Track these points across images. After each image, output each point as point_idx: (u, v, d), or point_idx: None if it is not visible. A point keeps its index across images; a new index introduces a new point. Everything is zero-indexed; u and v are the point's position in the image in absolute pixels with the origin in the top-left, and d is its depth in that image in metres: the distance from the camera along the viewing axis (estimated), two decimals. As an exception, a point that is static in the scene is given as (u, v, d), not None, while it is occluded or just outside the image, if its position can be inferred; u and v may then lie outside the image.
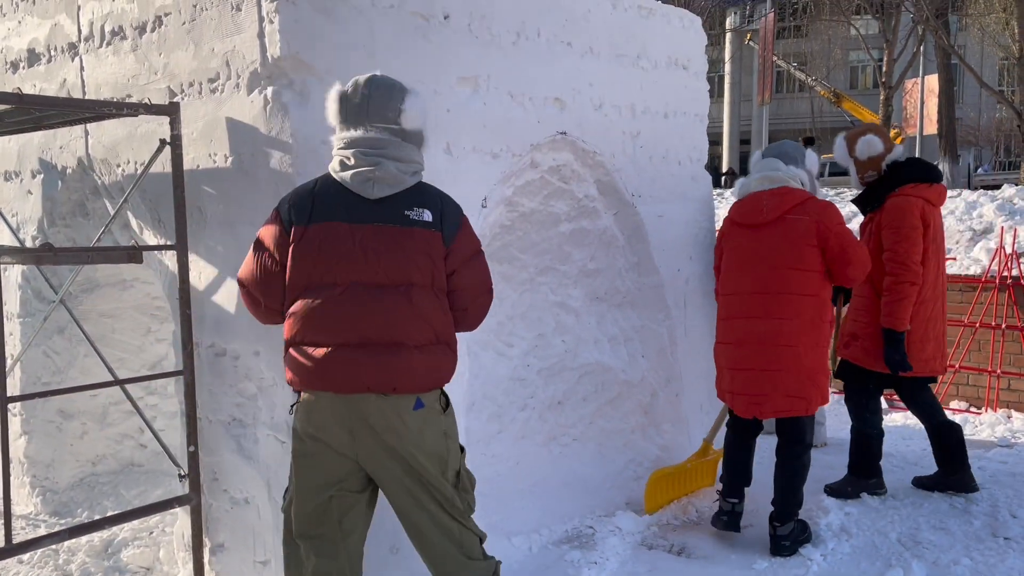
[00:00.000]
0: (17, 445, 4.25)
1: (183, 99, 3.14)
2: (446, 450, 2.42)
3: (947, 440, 4.08)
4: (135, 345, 4.26)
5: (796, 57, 32.97)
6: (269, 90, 2.85)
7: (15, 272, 4.15)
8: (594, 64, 4.07)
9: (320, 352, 2.32)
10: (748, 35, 23.19)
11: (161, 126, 3.25)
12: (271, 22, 2.79)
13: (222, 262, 3.10)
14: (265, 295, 2.45)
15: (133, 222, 3.52)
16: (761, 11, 23.65)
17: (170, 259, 3.29)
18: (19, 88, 3.58)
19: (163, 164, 3.13)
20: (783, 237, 3.49)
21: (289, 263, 2.38)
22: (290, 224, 2.39)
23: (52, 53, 3.77)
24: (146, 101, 3.11)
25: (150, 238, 3.48)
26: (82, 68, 3.61)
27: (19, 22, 3.96)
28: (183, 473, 3.15)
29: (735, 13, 23.36)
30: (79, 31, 3.60)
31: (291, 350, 2.40)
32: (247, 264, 2.48)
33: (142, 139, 3.35)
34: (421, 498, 2.38)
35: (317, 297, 2.33)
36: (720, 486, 3.77)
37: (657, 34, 4.50)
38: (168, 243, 3.23)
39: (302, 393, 2.41)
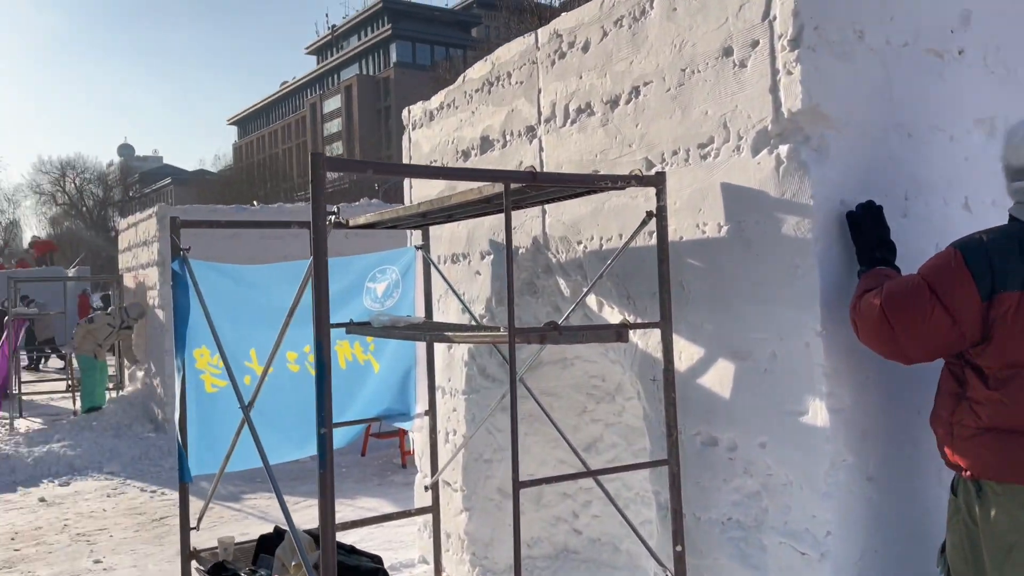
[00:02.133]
0: (458, 521, 4.34)
1: (664, 168, 2.96)
2: None
3: None
4: (570, 424, 4.16)
5: None
6: (783, 148, 2.54)
7: (461, 351, 4.30)
8: (1121, 93, 3.27)
9: None
10: None
11: (634, 199, 3.12)
12: (789, 73, 2.50)
13: (709, 341, 2.82)
14: (914, 343, 2.15)
15: (592, 299, 3.41)
16: None
17: (640, 337, 3.10)
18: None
19: (634, 238, 2.98)
20: None
21: (997, 334, 2.04)
22: (991, 287, 2.04)
23: (507, 138, 3.90)
24: (616, 174, 2.98)
25: (609, 315, 3.34)
26: (541, 149, 3.66)
27: (472, 112, 4.18)
28: (670, 574, 2.84)
29: None
30: (539, 113, 3.66)
31: (999, 436, 2.05)
32: (906, 299, 2.15)
33: (609, 214, 3.25)
34: None
35: None
36: None
37: None
38: (639, 320, 3.05)
39: (982, 483, 2.08)
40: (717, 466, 2.79)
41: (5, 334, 10.77)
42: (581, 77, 3.39)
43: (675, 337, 2.93)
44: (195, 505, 4.05)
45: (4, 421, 10.89)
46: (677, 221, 2.93)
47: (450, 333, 3.12)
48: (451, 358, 4.41)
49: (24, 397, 11.25)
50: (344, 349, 4.33)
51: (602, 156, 3.28)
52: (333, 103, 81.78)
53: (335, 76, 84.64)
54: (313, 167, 2.31)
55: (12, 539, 5.82)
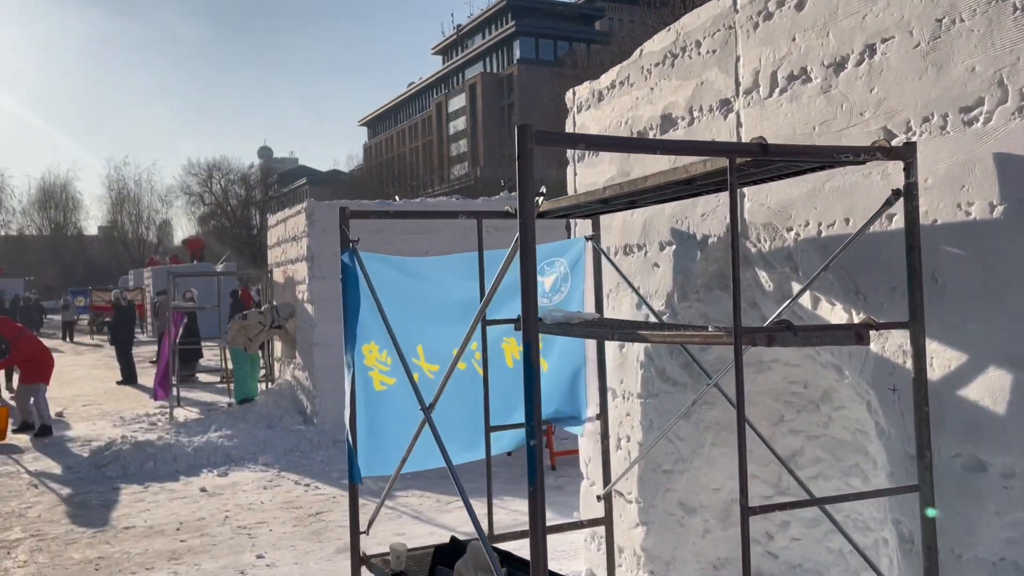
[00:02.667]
0: (632, 535, 4.00)
1: (912, 138, 2.50)
2: None
3: None
4: (764, 434, 3.72)
5: None
6: (1091, 106, 2.04)
7: (636, 350, 3.95)
8: None
9: None
10: None
11: (867, 176, 2.67)
12: (1102, 11, 2.00)
13: (974, 345, 2.34)
14: None
15: (806, 295, 2.97)
16: None
17: (874, 339, 2.64)
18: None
19: (873, 222, 2.52)
20: None
21: None
22: None
23: (694, 114, 3.51)
24: (859, 146, 2.53)
25: (826, 312, 2.90)
26: (739, 124, 3.25)
27: (651, 89, 3.81)
28: (922, 623, 2.39)
29: None
30: (736, 84, 3.25)
31: None
32: None
33: (831, 195, 2.81)
34: None
35: None
36: None
37: None
38: (870, 318, 2.59)
39: None
40: (986, 495, 2.30)
41: (166, 328, 11.36)
42: (794, 39, 2.95)
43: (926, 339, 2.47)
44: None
45: (164, 410, 11.44)
46: (929, 201, 2.46)
47: (646, 332, 2.77)
48: (624, 358, 4.07)
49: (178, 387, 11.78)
50: (511, 347, 4.07)
51: (823, 128, 2.84)
52: (458, 102, 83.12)
53: (460, 75, 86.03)
54: (520, 141, 2.02)
55: (177, 529, 5.95)
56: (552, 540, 4.96)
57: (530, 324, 2.04)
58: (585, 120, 4.45)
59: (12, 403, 10.48)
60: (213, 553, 5.37)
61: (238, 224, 60.65)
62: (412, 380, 3.33)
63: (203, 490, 7.07)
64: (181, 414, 10.87)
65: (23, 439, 9.69)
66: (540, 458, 2.02)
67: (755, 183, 2.96)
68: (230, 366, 10.78)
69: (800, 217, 2.96)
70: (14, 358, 9.92)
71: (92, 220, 69.30)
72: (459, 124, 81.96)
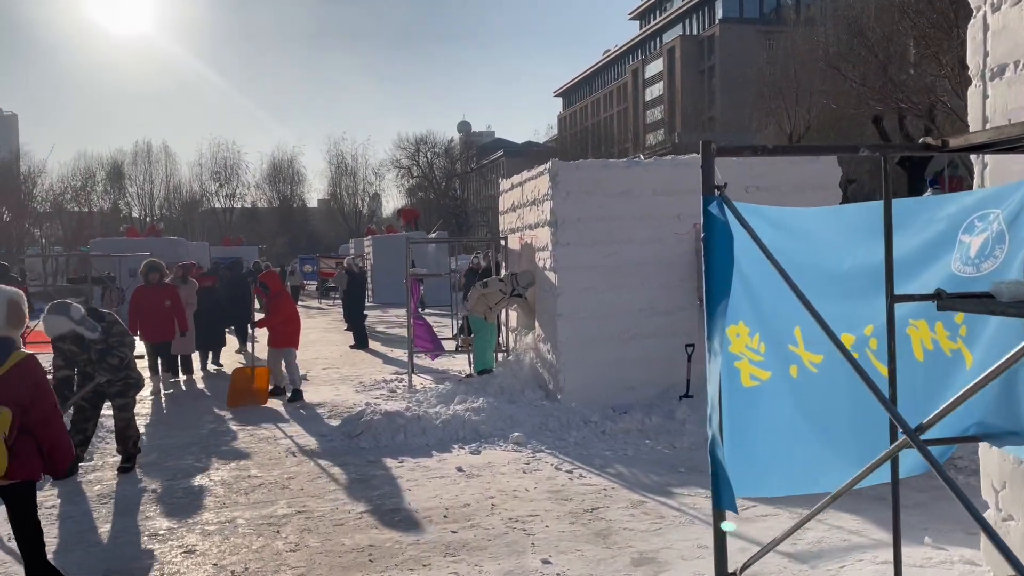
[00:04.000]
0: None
1: None
2: None
3: None
4: None
5: None
6: None
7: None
8: None
9: None
10: None
11: None
12: None
13: None
14: None
15: None
16: None
17: None
18: None
19: None
20: None
21: None
22: None
23: None
24: None
25: None
26: None
27: None
28: None
29: None
30: None
31: None
32: None
33: None
34: None
35: None
36: None
37: None
38: None
39: None
40: None
41: (412, 296, 11.25)
42: None
43: None
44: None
45: (400, 377, 11.35)
46: None
47: None
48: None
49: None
50: (922, 332, 3.01)
51: None
52: (655, 67, 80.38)
53: (657, 39, 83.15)
54: None
55: (445, 517, 5.46)
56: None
57: None
58: (1010, 20, 3.24)
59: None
60: (491, 551, 4.79)
61: (443, 195, 62.64)
62: (860, 370, 2.38)
63: (459, 469, 6.60)
64: (417, 382, 10.70)
65: (277, 404, 9.88)
66: None
67: None
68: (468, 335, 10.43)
69: None
70: (275, 316, 10.02)
71: (314, 193, 74.43)
72: (655, 90, 79.35)
